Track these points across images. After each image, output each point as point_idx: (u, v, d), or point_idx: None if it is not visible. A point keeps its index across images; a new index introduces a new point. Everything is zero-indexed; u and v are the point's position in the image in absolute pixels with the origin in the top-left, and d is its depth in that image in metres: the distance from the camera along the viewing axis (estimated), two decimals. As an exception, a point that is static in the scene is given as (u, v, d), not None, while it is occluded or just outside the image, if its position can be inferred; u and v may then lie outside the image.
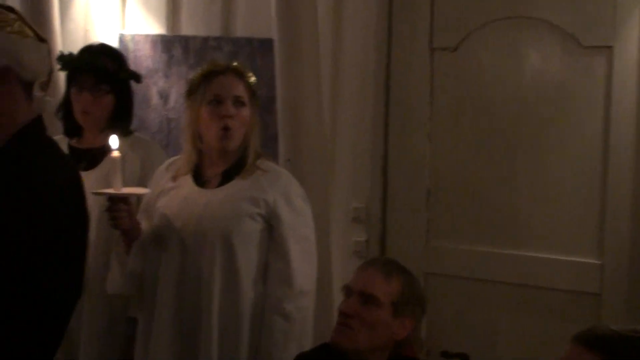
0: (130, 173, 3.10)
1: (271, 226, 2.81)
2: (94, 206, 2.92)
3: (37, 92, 2.19)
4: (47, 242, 2.03)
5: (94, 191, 2.75)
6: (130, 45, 4.36)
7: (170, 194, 2.89)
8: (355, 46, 3.77)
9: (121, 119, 3.25)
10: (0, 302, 1.97)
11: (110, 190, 2.70)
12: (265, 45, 3.86)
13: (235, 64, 2.91)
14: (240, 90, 2.84)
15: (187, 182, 2.88)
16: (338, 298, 3.55)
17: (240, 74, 2.86)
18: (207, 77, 2.85)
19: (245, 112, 2.83)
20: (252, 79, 2.88)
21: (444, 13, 3.58)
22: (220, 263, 2.77)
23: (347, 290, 2.44)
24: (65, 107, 3.27)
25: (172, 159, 3.03)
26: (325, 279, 3.28)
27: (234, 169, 2.84)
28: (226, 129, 2.79)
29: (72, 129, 3.28)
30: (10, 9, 2.17)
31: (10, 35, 2.10)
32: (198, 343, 2.77)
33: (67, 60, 3.23)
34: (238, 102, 2.82)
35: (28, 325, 2.03)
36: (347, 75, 3.80)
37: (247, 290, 2.78)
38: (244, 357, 2.78)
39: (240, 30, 4.11)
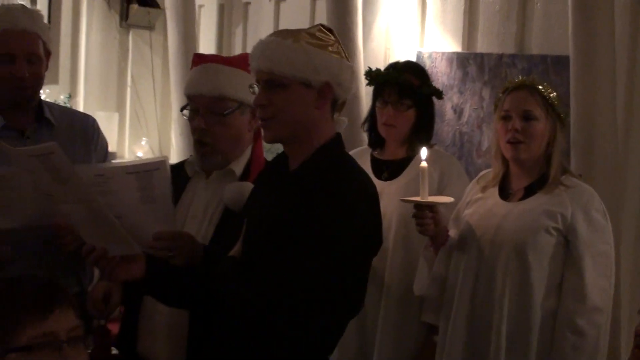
0: (430, 183, 3.21)
1: (568, 241, 2.81)
2: (394, 212, 3.17)
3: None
4: (345, 258, 2.14)
5: (403, 198, 2.94)
6: (427, 62, 4.50)
7: (477, 204, 3.00)
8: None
9: (422, 132, 3.32)
10: (305, 302, 2.11)
11: (417, 198, 2.83)
12: (560, 62, 3.88)
13: (528, 79, 2.96)
14: (531, 105, 2.86)
15: (493, 194, 2.97)
16: (625, 313, 3.56)
17: (533, 89, 2.88)
18: (504, 94, 2.94)
19: (537, 125, 2.85)
20: (550, 93, 2.89)
21: None
22: (513, 273, 2.82)
23: None
24: (371, 120, 3.40)
25: (483, 172, 3.12)
26: (614, 293, 3.25)
27: (537, 184, 2.88)
28: (512, 142, 2.85)
29: (376, 141, 3.40)
30: (330, 31, 2.29)
31: (332, 55, 2.22)
32: (488, 349, 2.84)
33: (373, 76, 3.35)
34: (528, 116, 2.85)
35: (323, 319, 2.18)
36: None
37: (538, 302, 2.80)
38: None
39: (535, 47, 4.13)
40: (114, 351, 2.99)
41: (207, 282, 2.19)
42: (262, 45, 2.25)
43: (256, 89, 2.28)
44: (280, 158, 2.36)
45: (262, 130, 2.66)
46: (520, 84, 2.94)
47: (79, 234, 2.30)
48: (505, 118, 2.89)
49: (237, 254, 2.40)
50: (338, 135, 2.31)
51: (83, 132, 2.92)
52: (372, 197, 2.26)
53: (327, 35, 2.27)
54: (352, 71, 2.32)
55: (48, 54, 2.80)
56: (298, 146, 2.26)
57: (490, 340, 2.84)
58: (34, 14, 2.76)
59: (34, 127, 2.79)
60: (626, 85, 3.73)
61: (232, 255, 2.40)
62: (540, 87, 2.90)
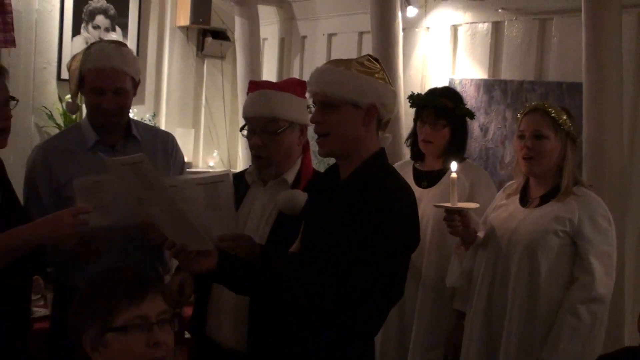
0: (461, 191, 3.19)
1: (575, 243, 2.80)
2: (430, 215, 3.18)
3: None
4: (388, 253, 2.17)
5: (435, 204, 2.96)
6: (458, 88, 4.48)
7: (501, 209, 3.01)
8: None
9: (455, 147, 3.33)
10: (355, 289, 2.14)
11: (448, 204, 2.85)
12: (573, 88, 3.85)
13: (541, 103, 2.95)
14: (542, 126, 2.85)
15: (515, 201, 2.98)
16: (629, 307, 3.51)
17: (544, 112, 2.87)
18: (521, 116, 2.95)
19: (547, 143, 2.85)
20: (561, 117, 2.87)
21: None
22: (525, 269, 2.83)
23: None
24: (413, 137, 3.43)
25: (508, 183, 3.12)
26: (618, 289, 3.21)
27: (552, 193, 2.88)
28: (525, 158, 2.87)
29: (417, 154, 3.42)
30: (376, 60, 2.31)
31: (378, 81, 2.24)
32: (501, 332, 2.86)
33: (415, 99, 3.38)
34: (539, 135, 2.85)
35: (370, 305, 2.20)
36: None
37: (545, 293, 2.80)
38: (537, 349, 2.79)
39: (552, 75, 4.11)
40: (187, 335, 3.04)
41: (271, 273, 2.21)
42: (318, 72, 2.28)
43: (312, 108, 2.30)
44: (333, 169, 2.38)
45: (309, 144, 2.70)
46: (534, 107, 2.94)
47: (161, 232, 2.34)
48: (521, 137, 2.91)
49: (296, 250, 2.42)
50: (382, 149, 2.32)
51: (163, 147, 2.95)
52: (412, 202, 2.27)
53: (374, 64, 2.28)
54: (395, 94, 2.33)
55: (136, 84, 2.83)
56: (348, 159, 2.28)
57: (503, 325, 2.86)
58: (124, 52, 2.77)
59: (122, 142, 2.83)
60: (632, 109, 3.70)
61: (293, 251, 2.42)
62: (551, 110, 2.89)
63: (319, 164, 2.83)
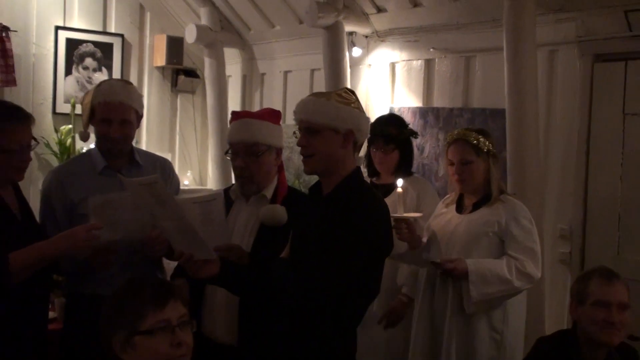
0: (409, 201, 3.18)
1: (503, 241, 2.79)
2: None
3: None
4: (367, 257, 2.10)
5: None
6: (397, 114, 4.49)
7: (440, 217, 2.98)
8: (564, 111, 3.68)
9: (404, 164, 3.33)
10: (338, 287, 2.05)
11: (396, 215, 2.78)
12: (495, 113, 3.87)
13: (461, 132, 2.89)
14: (465, 153, 2.83)
15: (452, 209, 2.96)
16: (547, 290, 3.50)
17: (465, 141, 2.84)
18: (447, 144, 2.92)
19: (472, 166, 2.83)
20: (479, 140, 2.83)
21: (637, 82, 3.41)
22: None
23: (605, 303, 2.22)
24: (368, 159, 3.42)
25: (447, 195, 3.09)
26: (538, 283, 3.19)
27: (482, 201, 2.87)
28: (458, 181, 2.86)
29: (373, 172, 3.41)
30: (352, 92, 2.25)
31: (354, 110, 2.18)
32: (443, 325, 2.81)
33: None
34: (465, 162, 2.83)
35: (351, 300, 2.11)
36: (557, 133, 3.73)
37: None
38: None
39: (477, 102, 4.13)
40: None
41: (266, 276, 2.12)
42: (303, 102, 2.22)
43: (298, 134, 2.22)
44: (316, 186, 2.30)
45: (283, 165, 2.63)
46: (455, 138, 2.90)
47: (165, 245, 2.21)
48: (451, 164, 2.89)
49: (286, 255, 2.33)
50: (358, 168, 2.25)
51: (162, 171, 2.84)
52: (386, 213, 2.21)
53: (350, 95, 2.23)
54: (368, 121, 2.27)
55: (139, 117, 2.72)
56: (329, 176, 2.21)
57: (445, 316, 2.81)
58: (130, 89, 2.68)
59: (127, 167, 2.71)
60: (544, 129, 3.72)
61: (283, 257, 2.33)
62: (470, 137, 2.85)
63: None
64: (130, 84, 2.76)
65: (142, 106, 2.72)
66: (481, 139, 2.85)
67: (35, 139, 2.39)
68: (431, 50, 4.33)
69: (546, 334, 3.11)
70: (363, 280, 2.12)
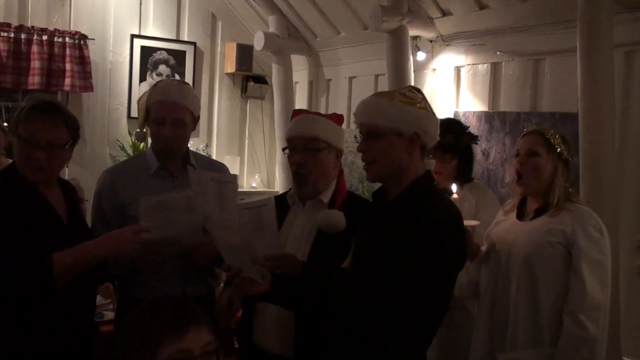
0: (467, 209, 2.84)
1: (569, 252, 2.33)
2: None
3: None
4: (438, 269, 1.81)
5: None
6: (462, 119, 4.16)
7: (500, 224, 2.58)
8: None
9: (463, 173, 2.98)
10: (405, 302, 1.77)
11: None
12: (565, 117, 3.50)
13: (538, 126, 2.53)
14: (536, 144, 2.42)
15: (512, 216, 2.56)
16: (623, 311, 3.09)
17: (540, 133, 2.45)
18: (520, 137, 2.53)
19: (540, 162, 2.40)
20: (556, 139, 2.43)
21: None
22: (524, 280, 2.35)
23: None
24: None
25: (508, 201, 2.67)
26: (613, 299, 2.77)
27: (544, 208, 2.44)
28: (517, 175, 2.45)
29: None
30: (419, 90, 1.97)
31: (420, 110, 1.91)
32: (504, 342, 2.37)
33: None
34: (533, 153, 2.41)
35: (418, 317, 1.83)
36: (634, 138, 3.32)
37: (545, 303, 2.31)
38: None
39: (546, 106, 3.76)
40: (236, 345, 2.66)
41: (324, 289, 1.82)
42: (364, 104, 1.92)
43: (359, 137, 1.93)
44: (379, 191, 2.00)
45: (348, 169, 2.34)
46: (532, 129, 2.51)
47: (216, 252, 1.97)
48: (517, 155, 2.47)
49: (348, 266, 2.04)
50: (428, 172, 1.94)
51: None
52: (457, 221, 1.89)
53: (416, 94, 1.92)
54: (437, 122, 1.95)
55: (195, 119, 2.49)
56: (394, 182, 1.91)
57: (506, 334, 2.37)
58: (185, 89, 2.45)
59: (180, 170, 2.48)
60: (621, 132, 3.32)
61: (344, 268, 2.04)
62: (547, 132, 2.47)
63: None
64: (187, 84, 2.54)
65: (198, 107, 2.49)
66: (558, 139, 2.46)
67: (72, 140, 2.08)
68: (498, 53, 4.00)
69: (622, 349, 2.74)
70: (431, 297, 1.81)
